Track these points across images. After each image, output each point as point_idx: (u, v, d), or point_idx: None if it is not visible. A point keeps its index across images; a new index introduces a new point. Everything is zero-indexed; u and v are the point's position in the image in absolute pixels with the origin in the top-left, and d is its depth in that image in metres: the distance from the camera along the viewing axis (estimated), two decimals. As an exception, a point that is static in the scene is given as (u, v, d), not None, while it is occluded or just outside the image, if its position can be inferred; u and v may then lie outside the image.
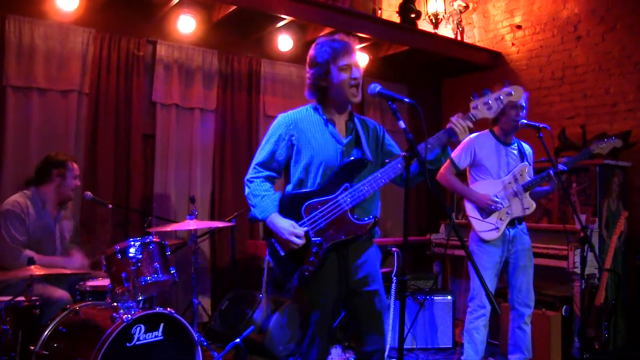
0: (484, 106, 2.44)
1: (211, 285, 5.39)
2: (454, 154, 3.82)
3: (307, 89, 2.62)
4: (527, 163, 3.78)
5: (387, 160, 2.55)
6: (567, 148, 5.32)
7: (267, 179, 2.59)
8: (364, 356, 2.55)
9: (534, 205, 3.72)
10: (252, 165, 2.62)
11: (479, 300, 3.71)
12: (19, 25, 4.45)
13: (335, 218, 2.44)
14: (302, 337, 2.52)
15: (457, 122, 2.42)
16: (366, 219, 2.47)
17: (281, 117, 2.62)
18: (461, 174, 3.93)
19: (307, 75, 2.59)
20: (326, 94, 2.57)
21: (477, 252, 3.72)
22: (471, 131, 2.50)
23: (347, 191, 2.45)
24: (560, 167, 3.56)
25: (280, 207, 2.52)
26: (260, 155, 2.60)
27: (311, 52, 2.59)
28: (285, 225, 2.43)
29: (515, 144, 3.87)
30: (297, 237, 2.41)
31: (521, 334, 3.76)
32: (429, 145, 2.40)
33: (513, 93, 2.45)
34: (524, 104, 3.73)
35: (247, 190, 2.58)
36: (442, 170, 3.79)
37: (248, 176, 2.61)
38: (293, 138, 2.55)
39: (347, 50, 2.51)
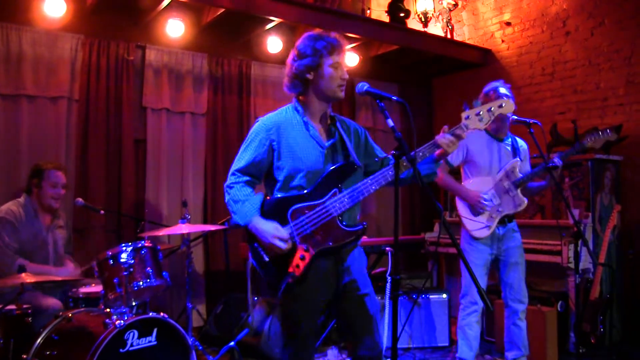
0: (476, 117, 2.44)
1: (205, 289, 5.38)
2: None
3: (288, 81, 2.51)
4: (518, 159, 3.77)
5: (375, 160, 2.55)
6: (559, 143, 5.33)
7: (247, 183, 2.48)
8: None
9: (525, 202, 3.71)
10: (231, 171, 2.49)
11: (470, 296, 3.73)
12: (7, 32, 4.43)
13: (323, 224, 2.36)
14: (287, 343, 2.44)
15: (442, 138, 2.39)
16: (357, 226, 2.41)
17: (261, 121, 2.51)
18: (455, 172, 3.93)
19: (292, 66, 2.47)
20: (309, 87, 2.48)
21: (467, 249, 3.75)
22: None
23: (336, 197, 2.39)
24: (557, 161, 3.53)
25: (264, 211, 2.41)
26: (240, 161, 2.47)
27: (301, 43, 2.48)
28: (268, 228, 2.33)
29: (509, 139, 3.85)
30: (281, 240, 2.31)
31: (516, 331, 3.76)
32: (420, 153, 2.40)
33: (504, 105, 2.48)
34: None
35: (227, 197, 2.47)
36: None
37: (227, 182, 2.49)
38: (274, 143, 2.44)
39: (341, 49, 2.47)
